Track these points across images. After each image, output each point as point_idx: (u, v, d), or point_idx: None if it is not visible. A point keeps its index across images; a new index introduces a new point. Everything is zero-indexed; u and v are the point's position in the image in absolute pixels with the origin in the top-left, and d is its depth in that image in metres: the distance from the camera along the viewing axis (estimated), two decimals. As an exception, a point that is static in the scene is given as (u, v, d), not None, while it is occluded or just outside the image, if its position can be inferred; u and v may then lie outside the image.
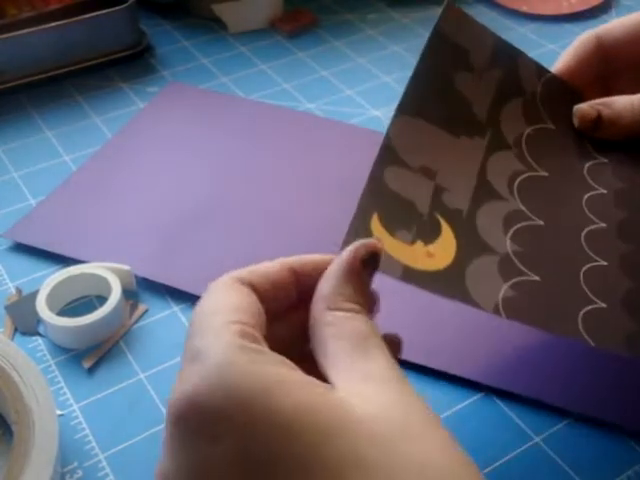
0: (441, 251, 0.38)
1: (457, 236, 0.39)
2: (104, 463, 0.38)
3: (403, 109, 0.43)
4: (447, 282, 0.38)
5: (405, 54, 0.68)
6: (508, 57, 0.48)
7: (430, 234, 0.39)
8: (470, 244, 0.39)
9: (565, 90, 0.49)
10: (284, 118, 0.60)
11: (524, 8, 0.73)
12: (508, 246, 0.40)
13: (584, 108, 0.47)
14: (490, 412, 0.40)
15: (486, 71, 0.47)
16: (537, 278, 0.40)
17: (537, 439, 0.39)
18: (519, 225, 0.42)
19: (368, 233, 0.37)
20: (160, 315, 0.45)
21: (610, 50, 0.48)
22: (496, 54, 0.48)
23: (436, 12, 0.76)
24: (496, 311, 0.37)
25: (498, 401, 0.41)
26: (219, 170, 0.55)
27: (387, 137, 0.41)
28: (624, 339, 0.38)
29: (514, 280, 0.39)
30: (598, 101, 0.47)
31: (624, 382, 0.41)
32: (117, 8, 0.63)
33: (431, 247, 0.38)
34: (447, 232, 0.40)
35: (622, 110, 0.46)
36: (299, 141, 0.58)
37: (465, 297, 0.37)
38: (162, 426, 0.39)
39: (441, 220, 0.40)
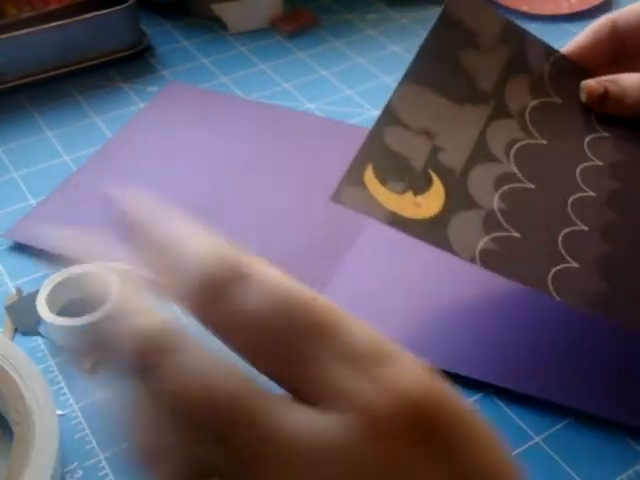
0: (429, 202, 0.40)
1: (447, 190, 0.41)
2: (104, 463, 0.38)
3: (408, 78, 0.45)
4: (430, 230, 0.39)
5: (405, 54, 0.68)
6: (516, 39, 0.49)
7: (421, 186, 0.41)
8: (458, 198, 0.41)
9: (574, 69, 0.49)
10: (284, 118, 0.60)
11: (524, 8, 0.73)
12: (495, 203, 0.42)
13: (592, 84, 0.47)
14: (490, 412, 0.40)
15: (493, 50, 0.48)
16: (517, 235, 0.41)
17: (537, 439, 0.39)
18: (509, 186, 0.43)
19: (361, 182, 0.39)
20: (160, 315, 0.45)
21: (624, 35, 0.49)
22: (504, 35, 0.49)
23: (436, 12, 0.76)
24: (472, 260, 0.39)
25: (498, 401, 0.41)
26: (219, 170, 0.55)
27: (390, 101, 0.43)
28: (590, 297, 0.39)
29: (495, 234, 0.40)
30: (606, 78, 0.47)
31: (625, 378, 0.41)
32: (117, 8, 0.63)
33: (420, 198, 0.40)
34: (437, 186, 0.41)
35: (629, 88, 0.46)
36: (299, 141, 0.58)
37: (445, 245, 0.39)
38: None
39: (433, 175, 0.42)
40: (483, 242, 0.40)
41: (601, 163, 0.46)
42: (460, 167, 0.43)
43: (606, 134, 0.48)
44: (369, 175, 0.39)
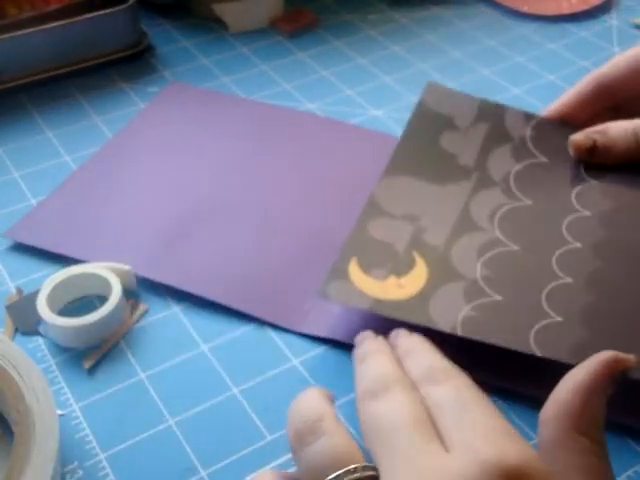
0: (412, 282, 0.42)
1: (430, 267, 0.43)
2: (104, 463, 0.38)
3: (390, 170, 0.48)
4: (412, 308, 0.41)
5: (405, 54, 0.68)
6: (493, 113, 0.52)
7: (404, 268, 0.43)
8: (441, 273, 0.43)
9: (557, 126, 0.51)
10: (285, 118, 0.60)
11: (525, 8, 0.73)
12: (478, 272, 0.43)
13: (579, 138, 0.49)
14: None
15: (471, 128, 0.51)
16: (499, 298, 0.42)
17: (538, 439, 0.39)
18: (493, 251, 0.44)
19: (345, 275, 0.42)
20: (160, 315, 0.45)
21: (613, 89, 0.50)
22: (481, 113, 0.52)
23: (437, 12, 0.76)
24: (453, 330, 0.40)
25: (498, 401, 0.41)
26: (219, 170, 0.55)
27: (372, 195, 0.47)
28: (571, 347, 0.40)
29: (476, 302, 0.42)
30: (593, 129, 0.49)
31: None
32: (117, 8, 0.63)
33: (403, 279, 0.43)
34: (421, 265, 0.43)
35: (617, 137, 0.48)
36: (300, 141, 0.58)
37: (426, 320, 0.40)
38: (162, 426, 0.39)
39: (417, 256, 0.44)
40: (464, 311, 0.41)
41: (589, 213, 0.46)
42: (443, 242, 0.44)
43: (595, 182, 0.48)
44: (353, 267, 0.43)
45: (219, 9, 0.71)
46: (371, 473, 0.30)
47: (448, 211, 0.46)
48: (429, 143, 0.50)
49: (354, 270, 0.43)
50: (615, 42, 0.69)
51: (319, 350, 0.43)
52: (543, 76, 0.65)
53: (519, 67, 0.67)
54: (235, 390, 0.41)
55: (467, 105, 0.52)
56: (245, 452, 0.38)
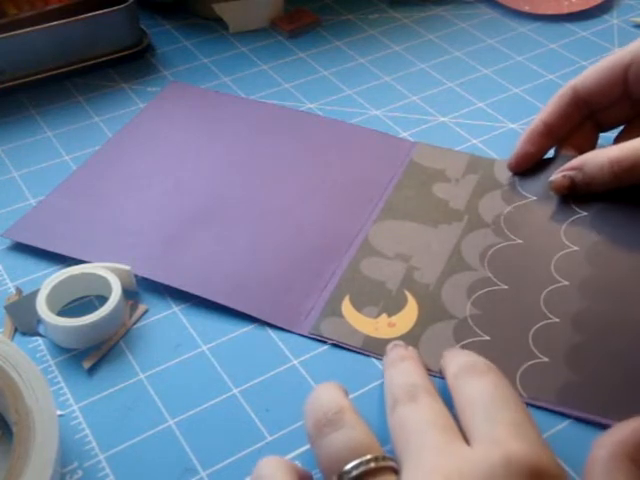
0: (402, 320, 0.44)
1: (420, 306, 0.44)
2: (104, 463, 0.38)
3: (382, 217, 0.50)
4: None
5: (406, 54, 0.68)
6: (482, 166, 0.54)
7: (395, 307, 0.44)
8: (431, 311, 0.44)
9: (543, 165, 0.53)
10: (285, 117, 0.60)
11: (526, 8, 0.73)
12: (467, 310, 0.44)
13: (557, 178, 0.50)
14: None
15: (462, 179, 0.53)
16: (487, 338, 0.43)
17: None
18: (482, 291, 0.45)
19: (339, 313, 0.44)
20: (160, 315, 0.45)
21: (586, 98, 0.52)
22: (470, 166, 0.54)
23: (437, 12, 0.76)
24: (442, 372, 0.40)
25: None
26: (220, 170, 0.55)
27: (366, 237, 0.48)
28: (557, 390, 0.40)
29: (465, 341, 0.43)
30: (569, 166, 0.50)
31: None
32: (117, 8, 0.63)
33: (394, 318, 0.44)
34: (412, 304, 0.45)
35: (592, 172, 0.49)
36: (301, 140, 0.58)
37: None
38: (162, 426, 0.39)
39: (408, 294, 0.45)
40: None
41: (577, 248, 0.47)
42: (434, 281, 0.46)
43: (584, 213, 0.49)
44: (346, 305, 0.44)
45: (219, 9, 0.71)
46: (389, 464, 0.32)
47: (439, 250, 0.48)
48: (421, 191, 0.52)
49: (347, 308, 0.44)
50: (616, 41, 0.69)
51: (319, 350, 0.43)
52: (543, 75, 0.65)
53: (519, 66, 0.66)
54: (235, 390, 0.41)
55: (456, 160, 0.54)
56: (245, 452, 0.38)
